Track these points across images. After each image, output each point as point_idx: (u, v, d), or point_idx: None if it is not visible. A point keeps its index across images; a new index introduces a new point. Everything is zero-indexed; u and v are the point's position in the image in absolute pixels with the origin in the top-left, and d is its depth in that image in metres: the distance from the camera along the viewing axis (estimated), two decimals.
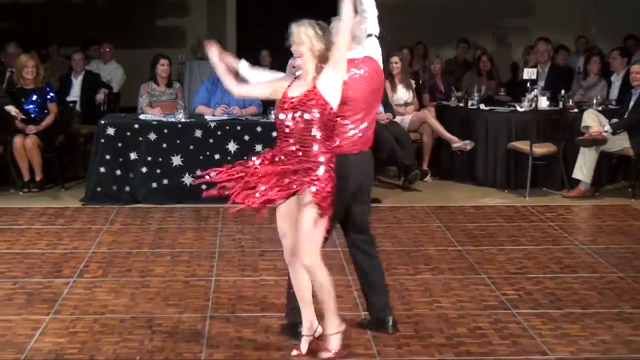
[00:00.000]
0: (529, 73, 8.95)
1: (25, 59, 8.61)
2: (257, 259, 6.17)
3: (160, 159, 7.91)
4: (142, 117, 8.21)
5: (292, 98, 4.28)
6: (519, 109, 8.85)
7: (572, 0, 13.80)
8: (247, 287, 5.52)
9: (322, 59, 4.28)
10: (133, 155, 7.92)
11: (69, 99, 9.62)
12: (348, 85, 4.37)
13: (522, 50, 12.02)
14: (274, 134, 5.00)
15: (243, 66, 4.59)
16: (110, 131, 7.92)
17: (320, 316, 4.43)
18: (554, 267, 6.07)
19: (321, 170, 4.21)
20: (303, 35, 4.27)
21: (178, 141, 7.94)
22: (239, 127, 8.00)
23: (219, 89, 8.58)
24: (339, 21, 4.37)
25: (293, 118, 4.24)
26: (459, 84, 10.52)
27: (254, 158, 4.32)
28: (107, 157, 7.91)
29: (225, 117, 8.20)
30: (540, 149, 8.41)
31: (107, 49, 10.91)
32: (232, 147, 7.90)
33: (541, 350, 4.55)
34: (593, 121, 8.24)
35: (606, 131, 8.15)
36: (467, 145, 8.60)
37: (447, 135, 8.86)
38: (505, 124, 8.79)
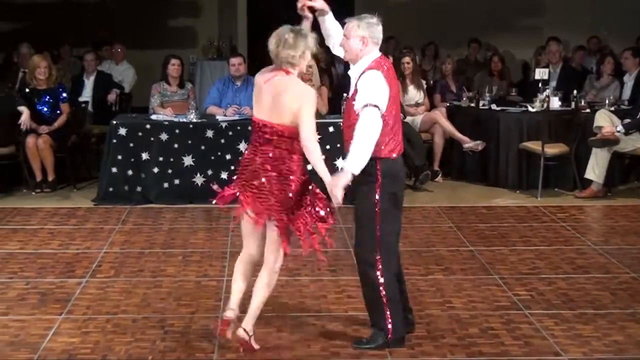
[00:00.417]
0: (540, 73, 8.94)
1: (37, 60, 8.65)
2: None
3: (171, 159, 7.93)
4: (153, 117, 8.23)
5: None
6: (530, 109, 8.83)
7: (583, 0, 13.74)
8: None
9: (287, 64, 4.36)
10: (145, 156, 7.94)
11: (81, 99, 9.66)
12: (391, 84, 4.37)
13: (533, 51, 11.99)
14: None
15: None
16: (122, 131, 7.94)
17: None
18: (567, 267, 6.05)
19: None
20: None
21: (189, 141, 7.96)
22: (250, 128, 7.95)
23: (230, 90, 8.62)
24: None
25: None
26: (470, 84, 10.51)
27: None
28: (119, 157, 7.94)
29: (236, 117, 8.21)
30: (552, 149, 8.38)
31: (119, 50, 10.94)
32: (243, 147, 7.90)
33: (554, 350, 4.54)
34: (605, 121, 8.21)
35: (619, 131, 8.11)
36: (479, 145, 8.58)
37: (459, 135, 8.84)
38: (517, 124, 8.77)
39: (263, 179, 4.37)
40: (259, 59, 7.81)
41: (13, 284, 5.60)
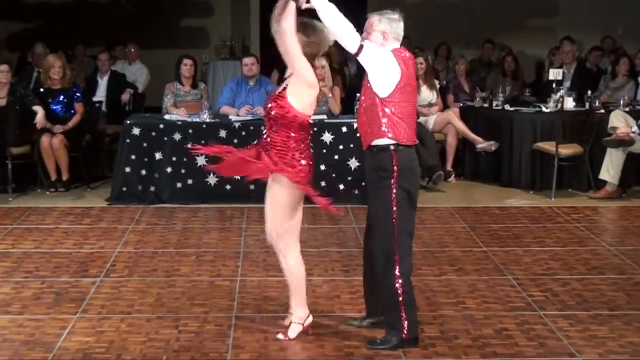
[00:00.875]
0: (554, 74, 8.91)
1: (52, 59, 8.69)
2: None
3: (185, 159, 7.94)
4: (166, 117, 8.25)
5: None
6: (544, 109, 8.80)
7: (597, 1, 13.69)
8: (272, 287, 5.53)
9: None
10: (158, 155, 7.96)
11: (94, 99, 9.69)
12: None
13: (546, 51, 11.95)
14: None
15: None
16: (136, 131, 7.96)
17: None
18: (581, 268, 6.03)
19: None
20: None
21: (203, 141, 7.91)
22: (263, 127, 7.99)
23: (243, 90, 8.63)
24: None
25: None
26: (483, 84, 10.48)
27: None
28: (133, 157, 7.96)
29: (249, 117, 8.22)
30: (566, 149, 8.36)
31: (132, 49, 10.97)
32: None
33: (569, 351, 4.52)
34: (620, 122, 8.17)
35: (633, 132, 8.08)
36: (492, 145, 8.56)
37: (472, 135, 8.82)
38: (531, 124, 8.74)
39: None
40: (271, 59, 7.83)
41: (28, 284, 5.62)
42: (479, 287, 5.57)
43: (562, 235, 6.91)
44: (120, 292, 5.46)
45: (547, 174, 8.49)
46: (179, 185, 7.97)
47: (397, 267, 4.43)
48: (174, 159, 7.94)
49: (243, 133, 7.97)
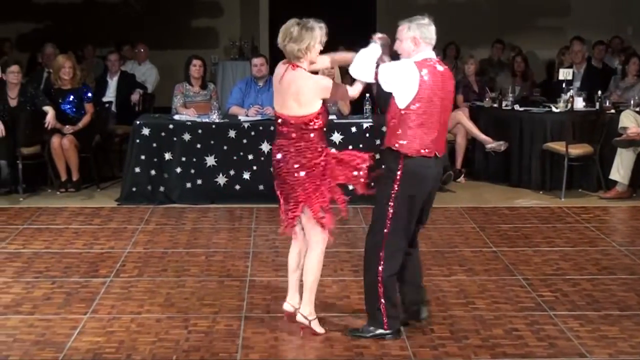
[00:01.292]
0: (564, 74, 8.88)
1: (62, 60, 8.71)
2: None
3: (194, 159, 7.96)
4: (176, 117, 8.26)
5: None
6: (554, 109, 8.77)
7: (607, 1, 13.64)
8: (281, 287, 5.52)
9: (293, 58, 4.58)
10: (167, 156, 7.97)
11: (104, 99, 9.71)
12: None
13: (556, 51, 11.91)
14: None
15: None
16: (145, 131, 7.98)
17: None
18: (591, 268, 6.01)
19: None
20: None
21: (212, 141, 7.98)
22: (272, 128, 7.95)
23: (252, 90, 8.63)
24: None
25: None
26: (493, 84, 10.45)
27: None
28: (142, 157, 7.98)
29: (258, 117, 8.22)
30: (576, 149, 8.33)
31: (142, 50, 10.98)
32: (265, 147, 7.91)
33: (579, 352, 4.51)
34: (631, 122, 8.14)
35: None
36: (501, 146, 8.54)
37: (481, 136, 8.80)
38: (541, 124, 8.72)
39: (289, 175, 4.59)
40: (280, 59, 7.81)
41: (39, 284, 5.64)
42: (488, 288, 5.56)
43: (572, 236, 6.89)
44: (130, 292, 5.47)
45: (557, 174, 8.46)
46: (188, 185, 7.98)
47: (381, 264, 4.54)
48: (183, 159, 7.95)
49: (252, 133, 7.98)
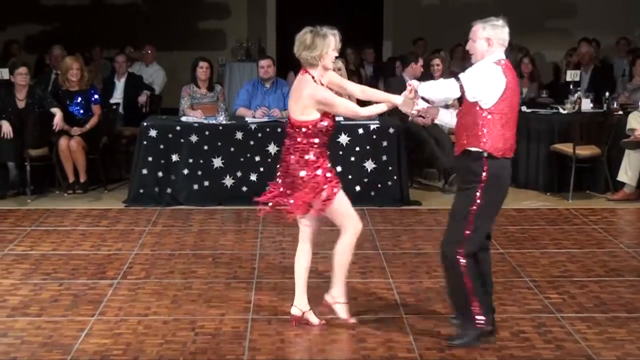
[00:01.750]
0: (572, 75, 8.87)
1: (70, 62, 8.73)
2: None
3: (201, 161, 7.97)
4: (183, 119, 8.28)
5: None
6: (561, 111, 8.76)
7: (614, 2, 13.61)
8: (288, 289, 5.51)
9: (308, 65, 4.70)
10: (175, 157, 7.98)
11: (112, 101, 9.74)
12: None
13: (564, 52, 11.89)
14: None
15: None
16: (153, 133, 7.99)
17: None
18: (599, 270, 6.00)
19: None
20: None
21: (219, 143, 7.99)
22: (279, 129, 8.01)
23: (259, 92, 8.64)
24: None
25: None
26: None
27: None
28: (149, 158, 7.99)
29: (265, 119, 8.23)
30: (584, 151, 8.31)
31: (149, 51, 11.00)
32: (272, 149, 7.92)
33: (586, 354, 4.50)
34: (638, 123, 8.12)
35: None
36: None
37: None
38: (548, 126, 8.70)
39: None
40: (288, 61, 7.85)
41: (46, 285, 5.66)
42: (495, 289, 5.49)
43: (579, 237, 6.87)
44: (137, 294, 5.48)
45: (565, 175, 8.44)
46: (195, 187, 7.99)
47: (464, 262, 4.49)
48: (190, 160, 7.96)
49: (259, 135, 7.98)
